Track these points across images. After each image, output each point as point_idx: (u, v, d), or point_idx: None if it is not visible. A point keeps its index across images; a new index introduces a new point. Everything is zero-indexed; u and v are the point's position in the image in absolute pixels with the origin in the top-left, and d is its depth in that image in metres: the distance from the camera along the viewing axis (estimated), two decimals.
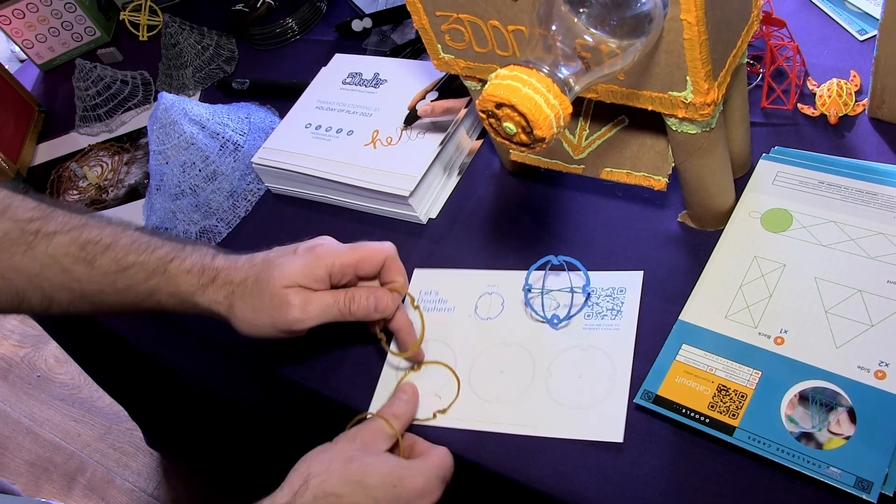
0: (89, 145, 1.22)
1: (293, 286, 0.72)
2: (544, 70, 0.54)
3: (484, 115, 0.56)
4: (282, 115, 1.02)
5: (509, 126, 0.55)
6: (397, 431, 0.71)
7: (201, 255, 0.76)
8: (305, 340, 0.85)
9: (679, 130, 0.67)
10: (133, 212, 1.10)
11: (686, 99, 0.62)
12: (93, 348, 1.47)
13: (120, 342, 1.31)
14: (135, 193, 1.13)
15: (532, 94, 0.53)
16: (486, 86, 0.54)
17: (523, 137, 0.55)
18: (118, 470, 1.96)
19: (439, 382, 0.77)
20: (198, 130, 0.96)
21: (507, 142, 0.57)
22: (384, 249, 0.76)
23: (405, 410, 0.73)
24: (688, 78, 0.61)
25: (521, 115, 0.53)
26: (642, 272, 0.76)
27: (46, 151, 1.27)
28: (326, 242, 0.76)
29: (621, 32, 0.56)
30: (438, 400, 0.76)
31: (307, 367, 0.84)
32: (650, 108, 0.66)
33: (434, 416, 0.75)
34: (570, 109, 0.54)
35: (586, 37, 0.55)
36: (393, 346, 0.80)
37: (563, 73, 0.55)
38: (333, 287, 0.75)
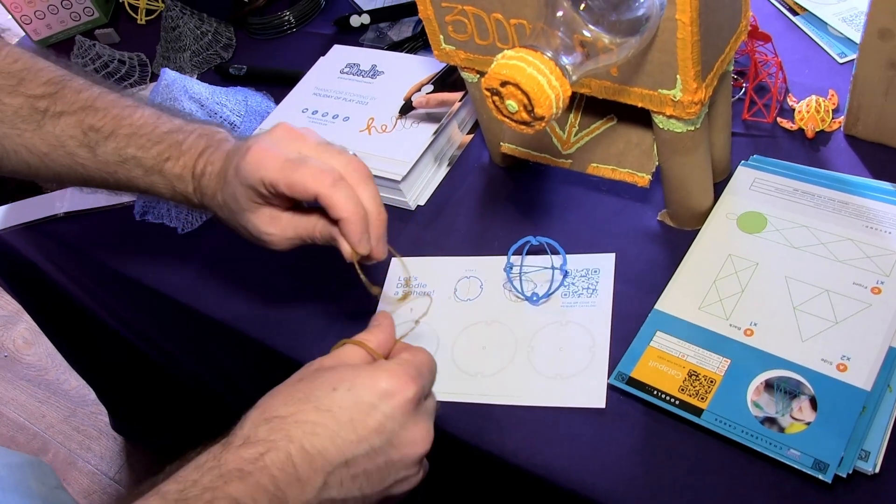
0: None
1: (256, 211, 0.68)
2: (548, 54, 0.57)
3: (488, 93, 0.59)
4: (277, 102, 1.05)
5: (511, 104, 0.58)
6: (373, 349, 0.61)
7: (191, 155, 0.72)
8: (290, 310, 0.87)
9: (665, 128, 0.70)
10: None
11: (675, 97, 0.66)
12: (67, 325, 1.46)
13: (96, 322, 1.32)
14: None
15: (536, 74, 0.56)
16: (493, 65, 0.57)
17: (524, 115, 0.58)
18: (81, 452, 1.95)
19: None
20: (196, 108, 0.98)
21: (507, 119, 0.60)
22: (315, 185, 0.63)
23: (380, 332, 0.64)
24: (678, 76, 0.64)
25: (525, 93, 0.56)
26: (614, 254, 0.80)
27: None
28: (260, 145, 0.66)
29: (619, 30, 0.59)
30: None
31: (291, 336, 0.85)
32: (640, 105, 0.69)
33: (417, 322, 0.71)
34: (570, 92, 0.58)
35: (585, 32, 0.58)
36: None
37: (564, 60, 0.58)
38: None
